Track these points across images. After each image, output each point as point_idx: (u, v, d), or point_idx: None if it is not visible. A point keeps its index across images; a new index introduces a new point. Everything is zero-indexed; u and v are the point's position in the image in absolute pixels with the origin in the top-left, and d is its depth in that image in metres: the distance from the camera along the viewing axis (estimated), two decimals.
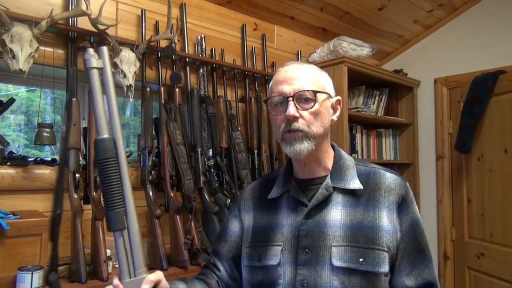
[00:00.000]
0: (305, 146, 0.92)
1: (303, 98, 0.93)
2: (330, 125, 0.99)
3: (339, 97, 1.02)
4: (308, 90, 0.92)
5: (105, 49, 0.80)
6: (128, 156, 1.84)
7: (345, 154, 1.04)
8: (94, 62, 0.78)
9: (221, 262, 1.08)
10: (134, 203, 0.81)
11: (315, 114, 0.93)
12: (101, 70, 0.81)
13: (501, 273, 2.29)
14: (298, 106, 0.92)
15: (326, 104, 0.97)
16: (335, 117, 1.01)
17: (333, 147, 1.04)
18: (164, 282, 0.86)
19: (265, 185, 1.08)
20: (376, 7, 2.49)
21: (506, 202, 2.29)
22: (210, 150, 1.88)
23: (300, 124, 0.92)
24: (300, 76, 0.94)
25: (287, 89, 0.93)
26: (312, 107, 0.93)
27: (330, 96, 0.99)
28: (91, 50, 0.78)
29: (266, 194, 1.04)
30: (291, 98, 0.92)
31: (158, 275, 0.84)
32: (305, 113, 0.92)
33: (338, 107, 1.02)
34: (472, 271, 2.52)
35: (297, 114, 0.92)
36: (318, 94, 0.93)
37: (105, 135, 0.78)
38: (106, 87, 0.80)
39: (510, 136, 2.29)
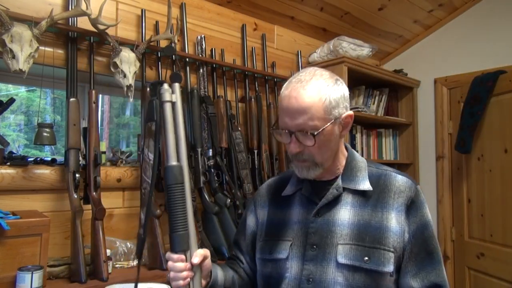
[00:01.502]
0: (312, 173, 0.96)
1: (305, 134, 0.91)
2: (340, 139, 0.99)
3: (351, 113, 0.97)
4: (308, 131, 0.90)
5: (177, 85, 0.88)
6: (128, 156, 1.85)
7: (358, 156, 1.05)
8: (168, 96, 0.86)
9: (242, 255, 1.13)
10: (194, 226, 0.88)
11: (320, 146, 0.93)
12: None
13: (501, 273, 2.29)
14: (301, 140, 0.92)
15: (331, 131, 0.93)
16: (344, 132, 0.98)
17: (346, 148, 1.05)
18: (209, 261, 0.92)
19: (280, 183, 1.11)
20: (376, 7, 2.49)
21: (506, 202, 2.29)
22: (210, 150, 1.88)
23: (305, 155, 0.94)
24: (303, 108, 0.89)
25: (289, 123, 0.92)
26: (314, 143, 0.91)
27: (337, 118, 0.93)
28: (166, 85, 0.87)
29: (281, 191, 1.08)
30: (293, 134, 0.92)
31: (206, 251, 0.90)
32: (308, 146, 0.92)
33: (350, 121, 0.97)
34: (472, 271, 2.52)
35: (299, 150, 0.93)
36: (319, 131, 0.90)
37: (174, 162, 0.85)
38: (177, 119, 0.88)
39: (510, 136, 2.29)
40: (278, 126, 0.96)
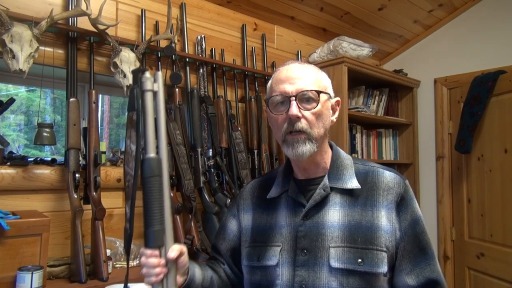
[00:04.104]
0: (307, 148, 0.91)
1: (305, 98, 0.92)
2: (329, 126, 0.98)
3: (338, 98, 1.02)
4: (311, 90, 0.92)
5: (160, 74, 0.84)
6: None
7: (343, 153, 1.03)
8: (150, 85, 0.82)
9: (222, 258, 1.10)
10: (171, 221, 0.84)
11: (317, 115, 0.92)
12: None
13: (501, 273, 2.29)
14: (300, 106, 0.91)
15: (327, 105, 0.96)
16: (334, 118, 1.00)
17: (331, 146, 1.03)
18: (186, 258, 0.87)
19: (264, 185, 1.07)
20: (376, 7, 2.49)
21: (506, 202, 2.29)
22: (210, 150, 1.88)
23: (303, 124, 0.91)
24: (302, 75, 0.94)
25: (289, 88, 0.92)
26: (315, 107, 0.92)
27: (330, 97, 0.98)
28: (148, 73, 0.82)
29: (265, 193, 1.04)
30: (294, 98, 0.91)
31: (183, 247, 0.86)
32: (307, 114, 0.91)
33: (337, 108, 1.02)
34: (472, 271, 2.52)
35: (299, 114, 0.90)
36: (320, 95, 0.93)
37: (152, 154, 0.82)
38: (158, 110, 0.84)
39: (510, 136, 2.29)
40: (272, 98, 0.95)
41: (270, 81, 1.00)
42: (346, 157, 1.02)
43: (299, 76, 0.93)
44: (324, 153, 0.99)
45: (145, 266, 0.81)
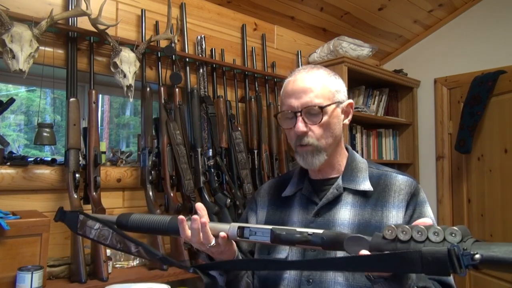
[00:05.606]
0: (316, 159, 0.95)
1: (311, 112, 0.93)
2: (342, 130, 1.00)
3: (350, 101, 1.03)
4: (315, 106, 0.93)
5: None
6: (128, 156, 1.85)
7: (358, 157, 1.05)
8: None
9: (242, 253, 1.10)
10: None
11: (325, 127, 0.94)
12: None
13: (501, 273, 2.29)
14: (307, 120, 0.93)
15: (335, 113, 0.97)
16: (347, 121, 1.02)
17: (347, 149, 1.06)
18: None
19: (281, 184, 1.11)
20: (376, 7, 2.49)
21: (506, 202, 2.29)
22: (210, 150, 1.88)
23: (309, 138, 0.94)
24: (308, 87, 0.94)
25: (294, 103, 0.94)
26: (321, 120, 0.93)
27: (340, 103, 0.99)
28: None
29: (281, 192, 1.07)
30: (299, 113, 0.93)
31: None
32: (314, 127, 0.94)
33: (351, 110, 1.03)
34: (472, 271, 2.51)
35: (305, 129, 0.93)
36: (326, 108, 0.94)
37: None
38: None
39: (510, 136, 2.29)
40: (281, 114, 0.98)
41: (281, 91, 1.02)
42: (361, 160, 1.05)
43: (305, 89, 0.94)
44: (339, 155, 1.02)
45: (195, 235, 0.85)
